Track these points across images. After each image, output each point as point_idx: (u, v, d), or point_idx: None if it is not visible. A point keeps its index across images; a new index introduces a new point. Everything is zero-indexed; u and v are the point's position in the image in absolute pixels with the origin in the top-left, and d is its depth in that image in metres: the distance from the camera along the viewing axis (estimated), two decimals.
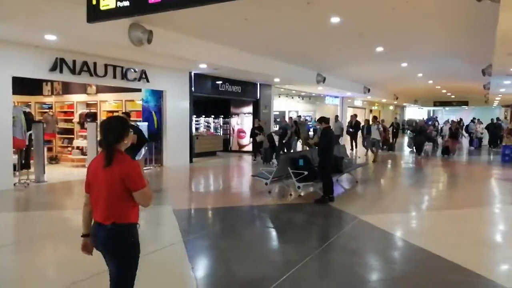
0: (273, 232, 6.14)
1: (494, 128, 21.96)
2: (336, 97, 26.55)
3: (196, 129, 18.67)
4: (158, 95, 12.64)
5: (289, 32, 10.23)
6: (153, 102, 12.64)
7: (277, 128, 17.98)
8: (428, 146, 17.17)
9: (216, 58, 11.56)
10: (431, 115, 49.28)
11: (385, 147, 20.36)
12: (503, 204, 8.00)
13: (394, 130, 21.82)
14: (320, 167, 7.63)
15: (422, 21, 9.52)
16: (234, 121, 18.15)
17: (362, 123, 18.30)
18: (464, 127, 24.90)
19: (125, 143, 2.63)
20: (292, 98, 26.43)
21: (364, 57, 14.23)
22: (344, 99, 27.00)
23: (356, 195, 8.85)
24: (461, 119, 29.80)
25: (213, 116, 18.69)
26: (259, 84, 17.44)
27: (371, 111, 34.08)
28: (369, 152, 16.01)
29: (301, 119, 20.07)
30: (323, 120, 7.74)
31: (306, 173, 7.55)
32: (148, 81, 11.69)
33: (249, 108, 17.75)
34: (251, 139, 15.85)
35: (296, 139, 15.51)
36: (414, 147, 18.02)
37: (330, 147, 7.66)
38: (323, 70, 17.30)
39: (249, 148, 17.00)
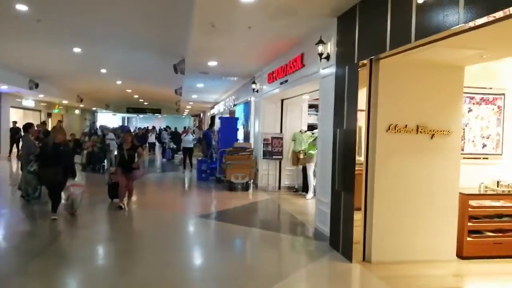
0: None
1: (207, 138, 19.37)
2: None
3: None
4: None
5: None
6: None
7: None
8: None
9: None
10: (125, 122, 46.54)
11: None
12: None
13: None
14: None
15: None
16: None
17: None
18: (156, 136, 21.94)
19: None
20: None
21: (4, 23, 8.35)
22: (3, 95, 19.26)
23: None
24: (153, 127, 27.34)
25: None
26: None
27: (50, 114, 27.02)
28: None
29: None
30: None
31: None
32: None
33: None
34: None
35: None
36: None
37: None
38: None
39: None
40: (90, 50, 11.38)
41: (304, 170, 9.92)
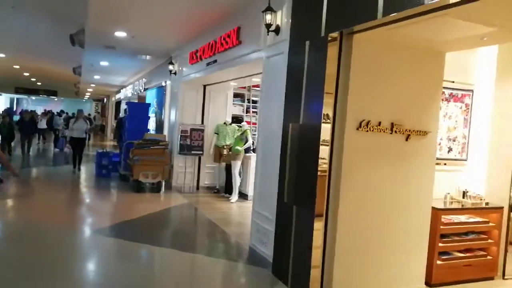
0: None
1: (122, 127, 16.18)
2: None
3: None
4: None
5: None
6: None
7: None
8: None
9: None
10: (15, 104, 40.59)
11: None
12: None
13: None
14: None
15: None
16: None
17: None
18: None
19: None
20: None
21: None
22: None
23: None
24: (46, 111, 23.72)
25: None
26: None
27: None
28: None
29: None
30: None
31: None
32: None
33: None
34: None
35: None
36: None
37: None
38: None
39: None
40: None
41: (228, 169, 8.56)
